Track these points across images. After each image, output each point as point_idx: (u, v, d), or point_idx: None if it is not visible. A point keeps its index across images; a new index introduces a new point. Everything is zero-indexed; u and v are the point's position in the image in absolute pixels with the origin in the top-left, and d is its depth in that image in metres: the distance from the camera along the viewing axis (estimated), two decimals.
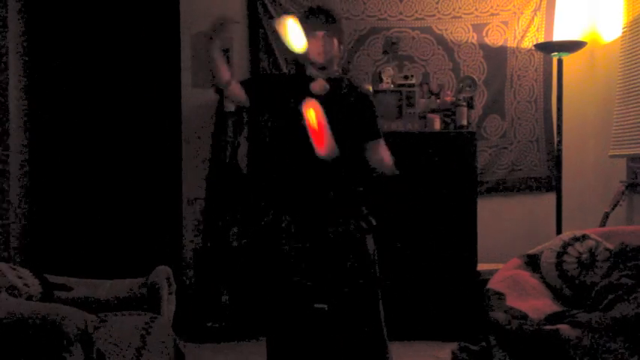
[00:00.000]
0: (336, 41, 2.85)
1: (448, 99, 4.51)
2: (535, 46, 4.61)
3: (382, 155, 2.94)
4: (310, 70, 2.90)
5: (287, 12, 4.73)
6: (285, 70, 4.76)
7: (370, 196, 2.99)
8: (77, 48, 4.81)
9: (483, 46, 4.78)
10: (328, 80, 2.87)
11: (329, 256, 2.85)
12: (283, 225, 2.87)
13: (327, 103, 2.76)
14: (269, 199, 3.00)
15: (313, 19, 2.83)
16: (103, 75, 4.81)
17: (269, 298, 2.98)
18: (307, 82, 2.88)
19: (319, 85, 2.86)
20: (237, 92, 2.88)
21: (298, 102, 2.76)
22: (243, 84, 2.93)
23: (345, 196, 2.89)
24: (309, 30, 2.79)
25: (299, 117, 2.73)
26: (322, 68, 2.87)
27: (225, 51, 4.80)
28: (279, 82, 3.06)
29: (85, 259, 4.47)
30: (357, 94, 2.94)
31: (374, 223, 2.95)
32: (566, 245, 3.14)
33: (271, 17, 4.76)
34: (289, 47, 2.69)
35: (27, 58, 4.70)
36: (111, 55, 4.81)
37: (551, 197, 4.53)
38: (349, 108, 2.87)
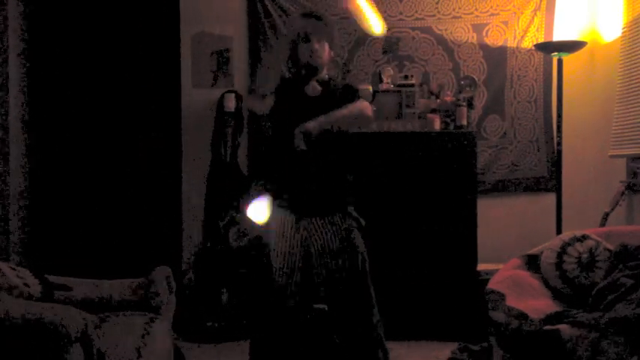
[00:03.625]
0: (326, 46, 2.92)
1: (448, 99, 4.51)
2: (535, 46, 4.60)
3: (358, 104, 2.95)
4: (303, 73, 2.95)
5: (287, 12, 4.75)
6: (285, 71, 4.76)
7: (358, 195, 3.05)
8: (77, 48, 4.81)
9: (483, 46, 4.78)
10: (320, 83, 2.91)
11: (319, 253, 2.91)
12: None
13: (320, 104, 2.84)
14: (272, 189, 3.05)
15: (305, 23, 2.90)
16: (103, 75, 4.81)
17: (260, 297, 3.04)
18: (302, 85, 2.92)
19: (312, 88, 2.92)
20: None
21: (293, 104, 2.87)
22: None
23: (333, 196, 2.95)
24: (300, 33, 2.88)
25: (293, 118, 2.81)
26: (313, 71, 2.91)
27: (225, 51, 4.81)
28: (282, 88, 3.10)
29: (85, 259, 4.46)
30: (345, 90, 2.99)
31: (362, 223, 2.99)
32: (566, 245, 3.14)
33: (271, 17, 4.77)
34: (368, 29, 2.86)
35: (27, 58, 4.70)
36: (111, 55, 4.82)
37: (551, 197, 4.53)
38: (339, 104, 2.91)
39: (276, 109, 2.98)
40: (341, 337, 2.95)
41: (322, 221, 2.93)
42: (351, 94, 2.98)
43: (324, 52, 2.91)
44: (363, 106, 2.94)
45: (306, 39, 2.88)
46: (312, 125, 2.76)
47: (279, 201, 2.98)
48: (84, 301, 3.01)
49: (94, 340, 2.30)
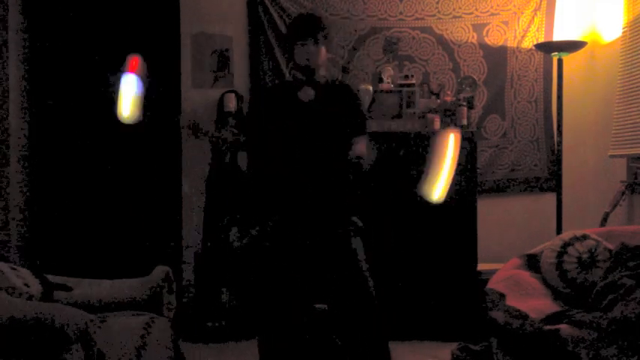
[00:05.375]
0: (323, 49, 2.94)
1: (448, 99, 4.51)
2: (535, 46, 4.60)
3: (362, 148, 2.99)
4: (297, 76, 2.99)
5: (287, 12, 4.75)
6: (285, 71, 4.76)
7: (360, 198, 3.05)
8: (77, 48, 4.79)
9: (483, 46, 4.78)
10: (315, 85, 2.92)
11: (319, 258, 2.92)
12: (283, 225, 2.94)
13: (314, 107, 2.89)
14: (270, 201, 3.04)
15: (303, 26, 2.94)
16: (103, 74, 4.80)
17: (266, 297, 3.03)
18: (295, 90, 2.97)
19: (304, 93, 2.95)
20: None
21: (288, 111, 2.90)
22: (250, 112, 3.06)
23: (334, 199, 2.95)
24: (298, 36, 2.92)
25: (289, 124, 2.85)
26: (309, 73, 2.94)
27: (225, 51, 4.81)
28: (272, 95, 3.14)
29: (85, 259, 4.46)
30: (343, 92, 3.03)
31: (360, 224, 3.01)
32: (566, 245, 3.14)
33: (271, 17, 4.77)
34: None
35: (27, 57, 4.69)
36: (111, 54, 4.79)
37: (552, 197, 4.53)
38: (337, 107, 2.95)
39: (268, 116, 2.99)
40: (343, 340, 2.96)
41: (320, 235, 2.91)
42: (350, 96, 3.01)
43: (320, 55, 2.94)
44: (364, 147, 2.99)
45: (303, 41, 2.91)
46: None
47: (274, 217, 2.98)
48: (84, 301, 3.01)
49: (94, 340, 2.30)
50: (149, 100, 4.71)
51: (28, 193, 4.70)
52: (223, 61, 4.85)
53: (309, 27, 2.92)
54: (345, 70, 4.71)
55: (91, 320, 2.38)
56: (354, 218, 3.00)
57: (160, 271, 3.23)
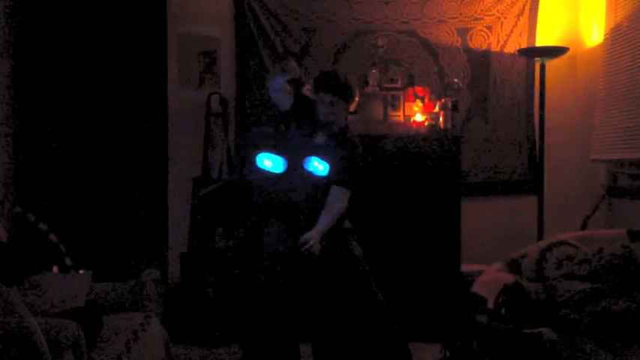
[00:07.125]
0: (342, 105, 3.24)
1: (432, 102, 4.57)
2: (518, 51, 4.66)
3: (339, 203, 3.24)
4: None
5: (273, 14, 4.77)
6: (271, 73, 4.76)
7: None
8: (64, 47, 4.75)
9: (467, 50, 4.83)
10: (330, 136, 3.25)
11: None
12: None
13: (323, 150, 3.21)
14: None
15: (326, 83, 3.24)
16: (90, 75, 4.76)
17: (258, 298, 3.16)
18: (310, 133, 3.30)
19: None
20: None
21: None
22: None
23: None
24: (320, 91, 3.22)
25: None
26: (327, 126, 3.24)
27: (212, 52, 4.83)
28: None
29: (78, 262, 4.45)
30: (346, 144, 3.29)
31: (349, 226, 3.27)
32: (545, 251, 3.21)
33: (258, 19, 4.79)
34: None
35: (13, 58, 4.68)
36: (98, 54, 4.77)
37: (534, 200, 4.59)
38: (339, 153, 3.24)
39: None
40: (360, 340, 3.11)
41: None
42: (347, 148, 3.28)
43: (337, 112, 3.23)
44: (343, 204, 3.23)
45: (323, 98, 3.20)
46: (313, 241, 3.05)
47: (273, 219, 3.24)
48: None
49: (84, 348, 2.35)
50: (136, 100, 4.78)
51: (18, 197, 4.66)
52: (210, 62, 4.87)
53: (332, 86, 3.21)
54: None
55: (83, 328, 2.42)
56: (345, 223, 3.15)
57: (149, 274, 3.27)
